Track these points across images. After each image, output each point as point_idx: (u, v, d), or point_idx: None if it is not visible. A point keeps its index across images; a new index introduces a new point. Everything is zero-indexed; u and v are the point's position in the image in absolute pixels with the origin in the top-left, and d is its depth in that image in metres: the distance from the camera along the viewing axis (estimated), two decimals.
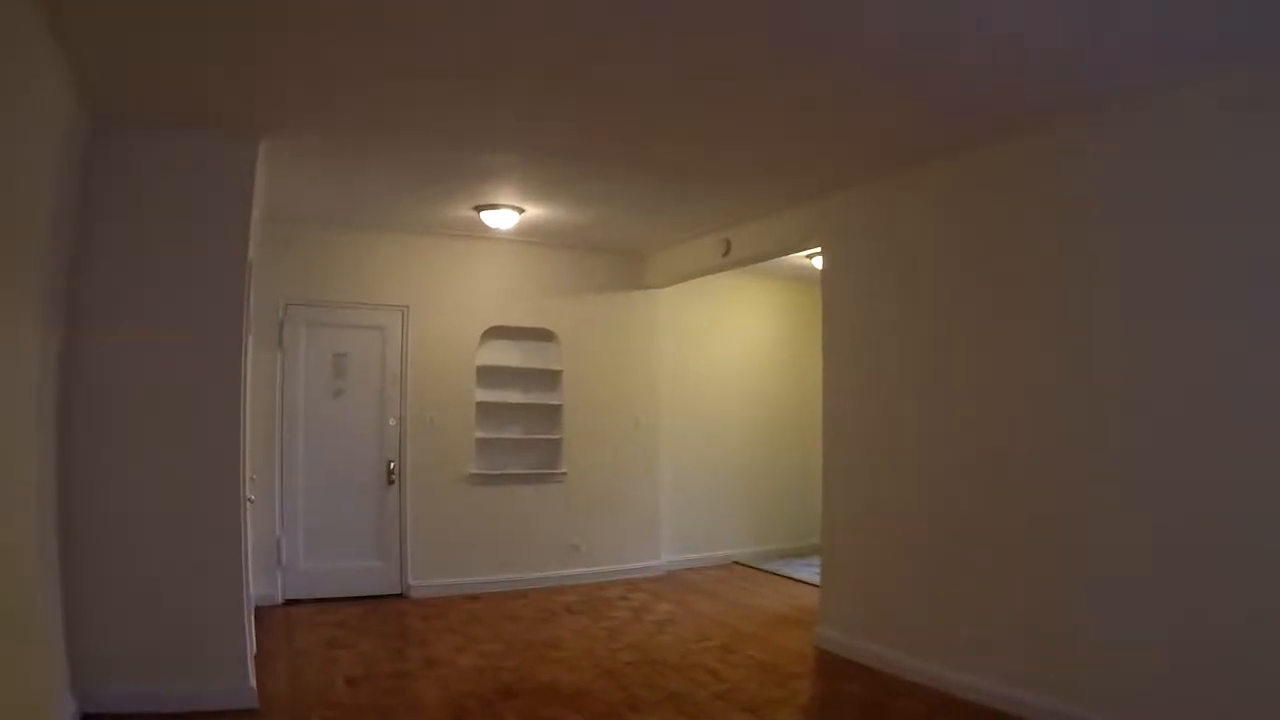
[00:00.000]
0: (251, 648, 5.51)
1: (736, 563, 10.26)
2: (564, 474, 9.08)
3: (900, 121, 5.21)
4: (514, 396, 9.00)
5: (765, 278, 10.73)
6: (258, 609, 7.02)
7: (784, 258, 8.67)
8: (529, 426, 9.11)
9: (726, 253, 8.17)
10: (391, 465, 8.25)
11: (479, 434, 8.70)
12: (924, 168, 5.97)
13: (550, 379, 9.19)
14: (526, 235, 8.59)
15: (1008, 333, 5.41)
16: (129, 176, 5.10)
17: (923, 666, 5.75)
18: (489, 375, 8.84)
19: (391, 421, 8.31)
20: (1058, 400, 5.06)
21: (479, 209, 7.41)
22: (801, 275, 10.38)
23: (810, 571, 9.42)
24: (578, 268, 9.30)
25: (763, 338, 10.96)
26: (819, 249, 7.60)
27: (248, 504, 5.41)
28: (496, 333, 8.90)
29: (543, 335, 9.16)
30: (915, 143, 5.60)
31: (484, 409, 8.76)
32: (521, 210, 7.47)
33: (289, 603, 7.77)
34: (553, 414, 9.18)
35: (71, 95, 4.46)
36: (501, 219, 7.47)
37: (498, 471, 8.78)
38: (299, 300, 8.00)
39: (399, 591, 8.23)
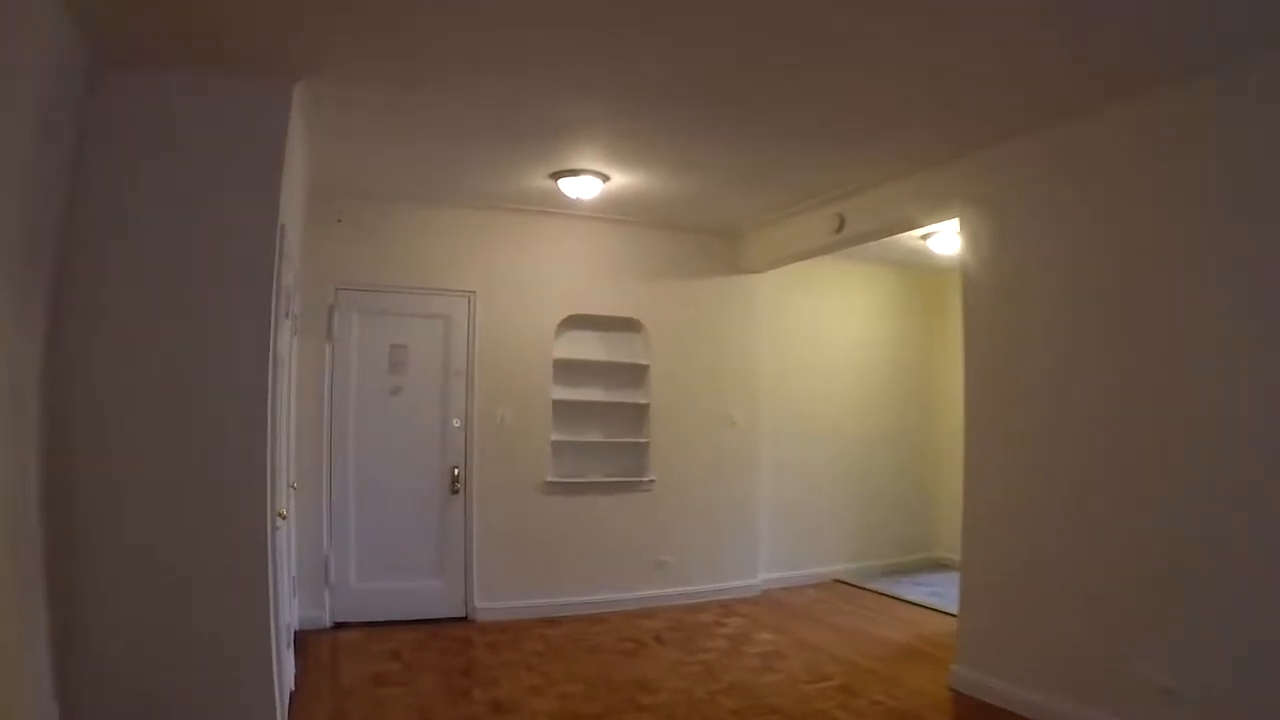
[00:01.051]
0: (286, 685, 4.64)
1: (838, 581, 9.20)
2: (651, 482, 8.05)
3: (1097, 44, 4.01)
4: (595, 394, 8.01)
5: (873, 263, 9.70)
6: (303, 634, 6.32)
7: (896, 241, 7.74)
8: (612, 428, 8.09)
9: (839, 229, 7.04)
10: (456, 472, 7.29)
11: (555, 436, 7.71)
12: (1110, 109, 4.75)
13: (636, 374, 8.18)
14: (610, 211, 7.61)
15: (1233, 318, 4.17)
16: (133, 126, 4.14)
17: (1096, 718, 4.62)
18: (567, 370, 7.84)
19: (456, 422, 7.35)
20: None
21: (557, 176, 6.40)
22: (914, 261, 9.45)
23: (923, 592, 8.56)
24: (667, 249, 8.27)
25: (868, 329, 9.89)
26: (943, 224, 6.68)
27: (278, 521, 4.44)
28: (576, 322, 7.91)
29: (628, 325, 8.15)
30: (1124, 69, 4.37)
31: (561, 408, 7.76)
32: (606, 178, 6.45)
33: (338, 626, 6.90)
34: (639, 414, 8.15)
35: (66, 24, 3.54)
36: (583, 187, 6.45)
37: (577, 479, 7.78)
38: (351, 284, 7.12)
39: (463, 614, 7.29)
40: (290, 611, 5.67)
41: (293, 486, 5.84)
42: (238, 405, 4.17)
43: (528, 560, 7.47)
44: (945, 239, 8.01)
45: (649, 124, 5.41)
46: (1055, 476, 5.10)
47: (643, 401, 8.11)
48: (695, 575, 8.16)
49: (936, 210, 6.26)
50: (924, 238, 8.13)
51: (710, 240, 8.47)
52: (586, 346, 8.00)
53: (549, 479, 7.61)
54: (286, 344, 5.13)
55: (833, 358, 9.51)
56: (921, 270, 9.99)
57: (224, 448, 4.14)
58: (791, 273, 8.82)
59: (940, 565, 9.82)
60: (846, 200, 6.96)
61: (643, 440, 8.09)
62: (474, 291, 7.45)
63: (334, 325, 7.01)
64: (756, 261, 8.46)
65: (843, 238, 7.12)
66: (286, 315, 5.01)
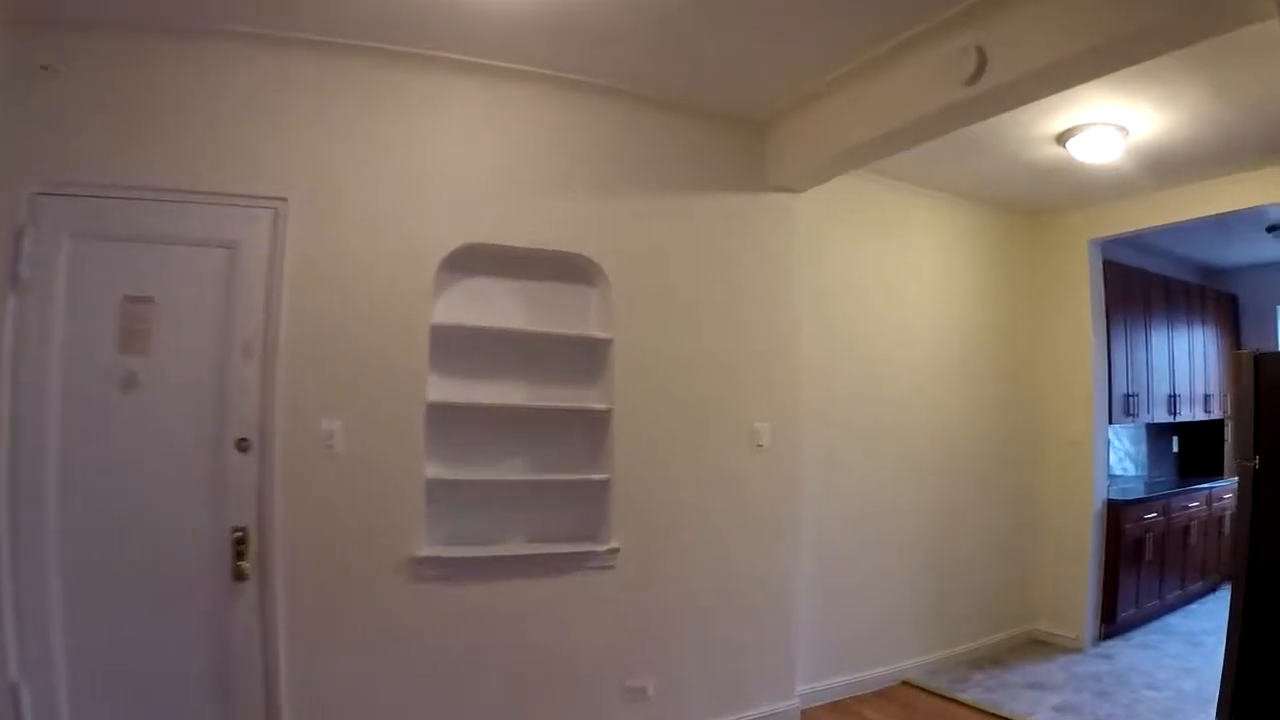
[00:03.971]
0: None
1: (908, 684, 6.03)
2: (613, 553, 4.57)
3: None
4: (512, 393, 4.51)
5: (962, 196, 6.76)
6: None
7: (1017, 146, 5.38)
8: (543, 457, 4.59)
9: (975, 76, 3.69)
10: (241, 539, 3.83)
11: (434, 473, 4.21)
12: None
13: (588, 358, 4.72)
14: (545, 53, 4.30)
15: None
16: None
17: None
18: (458, 348, 4.35)
19: (243, 444, 3.88)
20: None
21: None
22: (1024, 192, 6.64)
23: (1048, 708, 5.50)
24: (647, 141, 4.85)
25: (952, 296, 6.73)
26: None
27: None
28: (476, 260, 4.41)
29: (573, 269, 4.69)
30: None
31: (446, 420, 4.27)
32: None
33: None
34: (592, 430, 4.68)
35: None
36: None
37: (475, 552, 4.28)
38: (62, 186, 3.73)
39: None
40: None
41: None
42: None
43: (384, 702, 4.04)
44: (1097, 140, 5.09)
45: None
46: None
47: (599, 407, 4.63)
48: (694, 705, 4.80)
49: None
50: (1061, 139, 5.19)
51: (720, 132, 5.09)
52: (496, 305, 4.49)
53: (422, 553, 4.11)
54: None
55: (898, 338, 6.26)
56: (1037, 208, 7.05)
57: None
58: (836, 203, 5.71)
59: (1040, 645, 6.90)
60: (986, 23, 3.66)
61: (598, 477, 4.60)
62: (284, 199, 3.98)
63: (23, 259, 3.64)
64: (795, 169, 5.04)
65: (979, 95, 3.75)
66: None
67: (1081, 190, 6.38)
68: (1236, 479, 8.87)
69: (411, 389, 4.13)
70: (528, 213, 4.46)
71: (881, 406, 6.05)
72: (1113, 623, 6.87)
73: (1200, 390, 8.67)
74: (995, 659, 6.51)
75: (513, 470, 4.48)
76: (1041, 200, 6.76)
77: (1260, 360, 4.71)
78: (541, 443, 4.57)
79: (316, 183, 4.04)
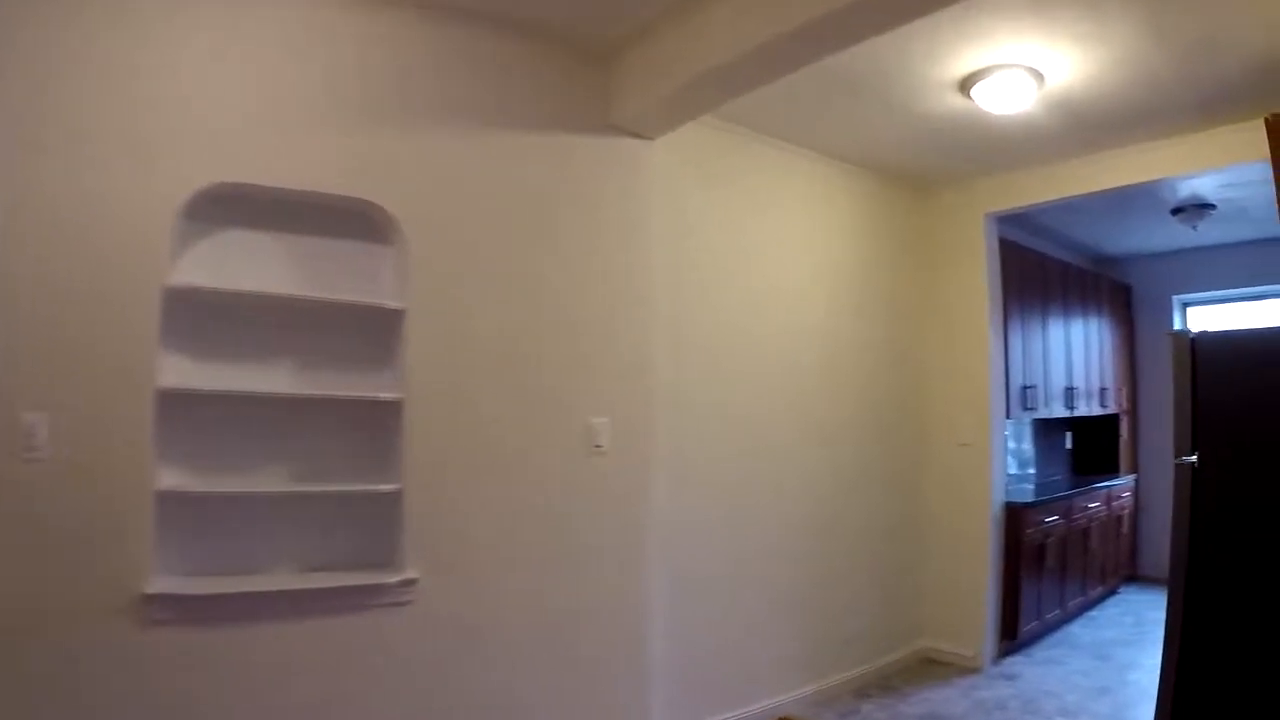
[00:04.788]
0: None
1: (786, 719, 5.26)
2: (409, 584, 3.59)
3: None
4: (277, 379, 3.52)
5: (845, 161, 5.99)
6: None
7: (911, 95, 4.67)
8: (319, 462, 3.62)
9: None
10: None
11: (170, 482, 3.21)
12: None
13: (377, 333, 3.74)
14: None
15: None
16: None
17: None
18: (206, 319, 3.38)
19: None
20: None
21: None
22: (917, 162, 6.07)
23: None
24: (459, 64, 3.89)
25: (831, 276, 5.92)
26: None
27: None
28: (232, 207, 3.40)
29: (361, 221, 3.69)
30: None
31: (187, 413, 3.28)
32: None
33: None
34: (381, 426, 3.71)
35: None
36: None
37: (227, 588, 3.28)
38: None
39: None
40: None
41: None
42: None
43: None
44: (1006, 85, 4.41)
45: None
46: None
47: (389, 397, 3.66)
48: None
49: None
50: (964, 85, 4.48)
51: (552, 58, 4.15)
52: (258, 265, 3.49)
53: (152, 589, 3.10)
54: None
55: (766, 321, 5.44)
56: (930, 175, 6.33)
57: None
58: (698, 160, 4.96)
59: (935, 665, 6.27)
60: None
61: (388, 488, 3.62)
62: None
63: None
64: (644, 104, 4.11)
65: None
66: None
67: (981, 154, 5.69)
68: (1135, 477, 8.56)
69: (138, 372, 3.11)
70: (302, 148, 3.46)
71: (747, 400, 5.24)
72: (1014, 638, 6.28)
73: (1096, 384, 8.21)
74: (886, 684, 5.84)
75: (277, 479, 3.47)
76: (935, 166, 6.05)
77: (1198, 343, 4.03)
78: (316, 443, 3.57)
79: (23, 103, 2.98)
